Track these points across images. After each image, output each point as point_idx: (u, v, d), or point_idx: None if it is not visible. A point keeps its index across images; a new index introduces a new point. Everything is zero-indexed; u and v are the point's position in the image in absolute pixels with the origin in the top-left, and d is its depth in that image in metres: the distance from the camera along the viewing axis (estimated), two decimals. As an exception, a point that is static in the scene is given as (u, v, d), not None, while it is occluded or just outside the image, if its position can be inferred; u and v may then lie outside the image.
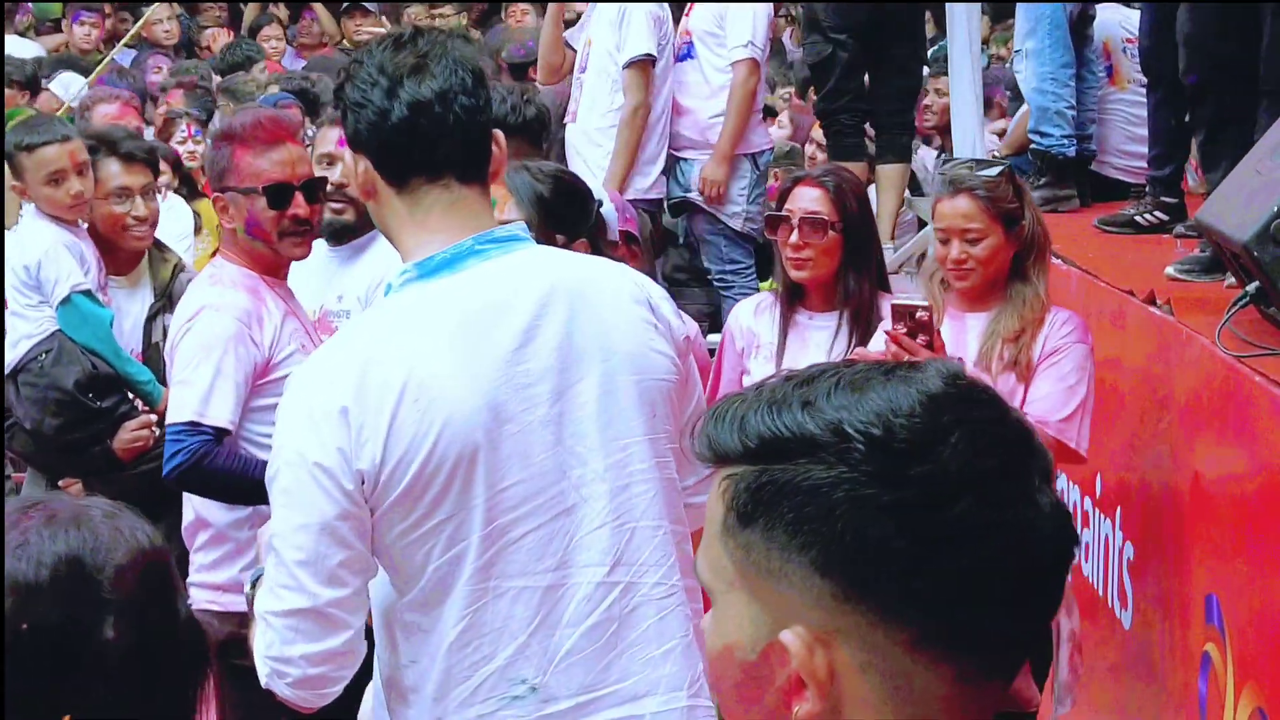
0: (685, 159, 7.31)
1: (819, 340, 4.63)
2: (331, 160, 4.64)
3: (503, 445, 2.62)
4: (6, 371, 5.04)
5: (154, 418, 5.02)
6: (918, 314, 3.99)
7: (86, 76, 9.44)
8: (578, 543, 2.67)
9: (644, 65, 7.11)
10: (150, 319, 5.22)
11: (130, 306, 5.24)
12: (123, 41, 11.01)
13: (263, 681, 2.68)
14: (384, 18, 12.37)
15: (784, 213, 4.62)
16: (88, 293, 5.01)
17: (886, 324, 4.11)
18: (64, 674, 1.80)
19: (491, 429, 2.61)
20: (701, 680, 2.73)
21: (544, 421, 2.64)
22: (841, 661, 1.28)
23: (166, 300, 5.19)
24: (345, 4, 12.44)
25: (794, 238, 4.55)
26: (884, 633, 1.28)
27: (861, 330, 4.57)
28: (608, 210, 4.37)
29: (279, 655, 2.63)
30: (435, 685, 2.68)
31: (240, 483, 4.03)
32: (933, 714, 1.30)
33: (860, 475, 1.27)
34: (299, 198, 4.18)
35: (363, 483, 2.58)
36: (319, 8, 12.48)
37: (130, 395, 5.07)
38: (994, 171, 4.35)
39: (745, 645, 1.32)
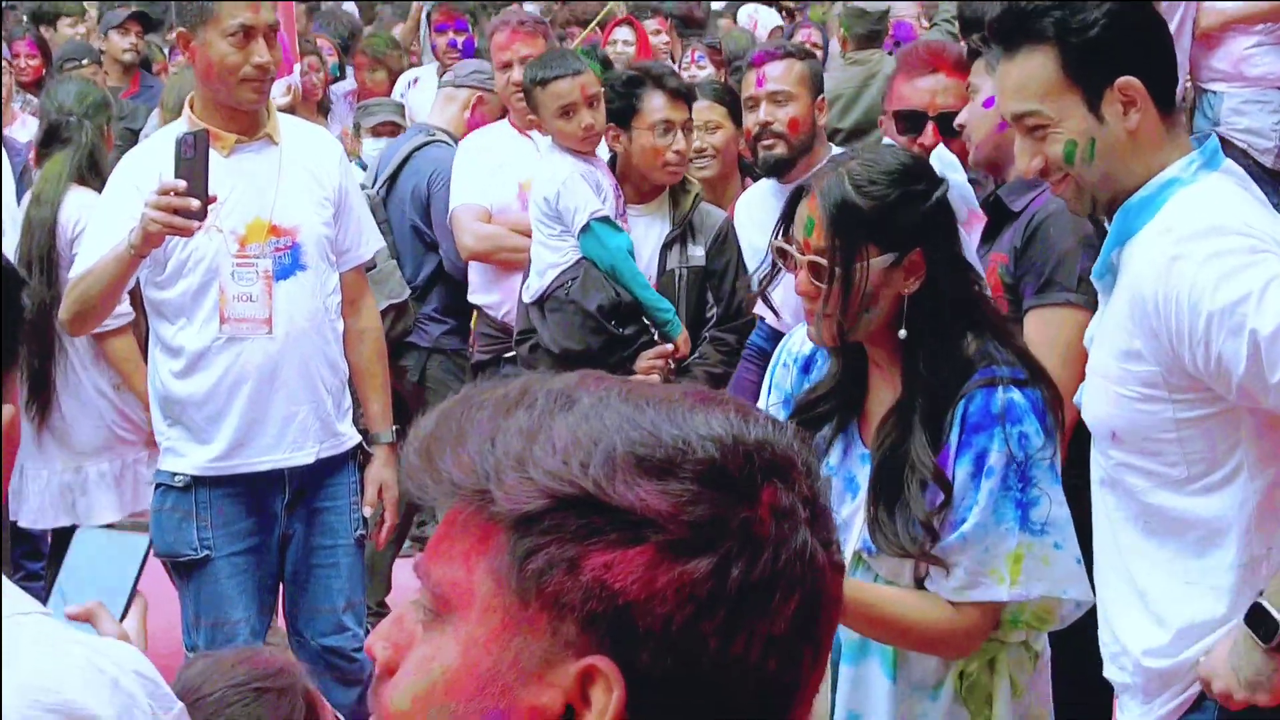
0: (1213, 92, 6.93)
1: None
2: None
3: None
4: (534, 299, 5.17)
5: (670, 348, 5.04)
6: None
7: None
8: None
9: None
10: (665, 247, 5.19)
11: (648, 234, 5.22)
12: None
13: None
14: None
15: None
16: (606, 219, 5.08)
17: None
18: None
19: None
20: None
21: None
22: None
23: (686, 229, 5.20)
24: None
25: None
26: None
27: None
28: None
29: None
30: None
31: None
32: None
33: None
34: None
35: None
36: None
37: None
38: None
39: None
